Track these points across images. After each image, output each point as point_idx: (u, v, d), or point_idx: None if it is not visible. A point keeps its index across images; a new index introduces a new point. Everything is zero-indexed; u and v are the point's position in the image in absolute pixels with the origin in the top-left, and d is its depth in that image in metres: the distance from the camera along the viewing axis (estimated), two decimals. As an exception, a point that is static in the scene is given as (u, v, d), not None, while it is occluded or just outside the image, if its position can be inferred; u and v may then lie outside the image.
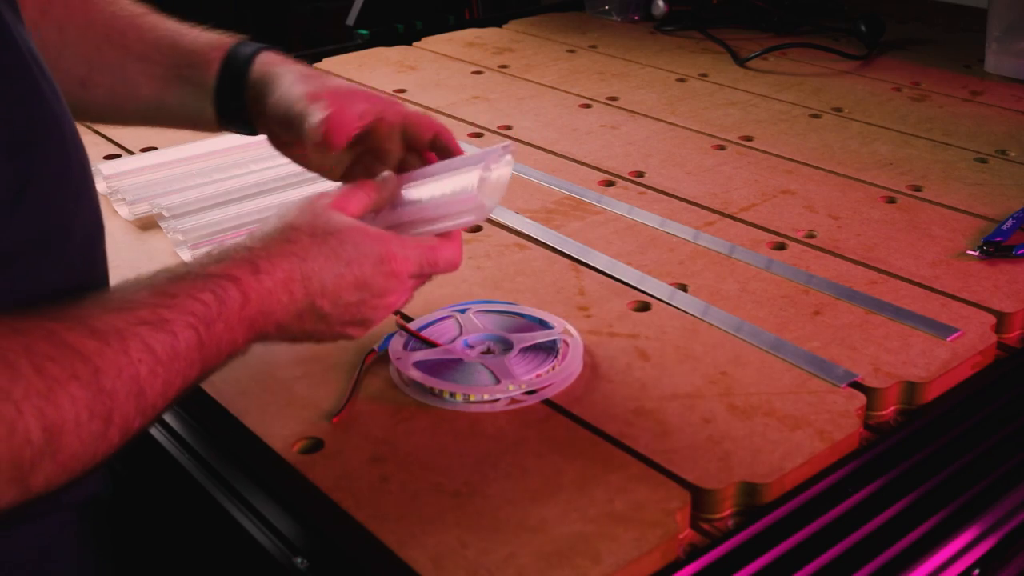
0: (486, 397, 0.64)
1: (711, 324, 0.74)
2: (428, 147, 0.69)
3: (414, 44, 1.45)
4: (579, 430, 0.62)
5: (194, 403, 0.67)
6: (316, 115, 0.63)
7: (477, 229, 0.89)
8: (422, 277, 0.63)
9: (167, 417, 0.67)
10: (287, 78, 0.68)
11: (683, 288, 0.79)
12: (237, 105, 0.70)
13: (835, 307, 0.76)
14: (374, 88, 1.25)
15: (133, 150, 1.06)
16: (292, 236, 0.58)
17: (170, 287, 0.53)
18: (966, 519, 0.57)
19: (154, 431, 0.66)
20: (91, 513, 0.62)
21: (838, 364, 0.68)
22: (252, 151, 1.00)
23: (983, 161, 1.03)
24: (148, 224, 0.90)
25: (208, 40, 0.73)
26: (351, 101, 0.65)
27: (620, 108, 1.20)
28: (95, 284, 0.57)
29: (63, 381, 0.47)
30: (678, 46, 1.45)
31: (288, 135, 0.67)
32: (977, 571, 0.55)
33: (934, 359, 0.69)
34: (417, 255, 0.62)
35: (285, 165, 0.99)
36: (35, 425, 0.46)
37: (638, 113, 1.18)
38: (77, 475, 0.49)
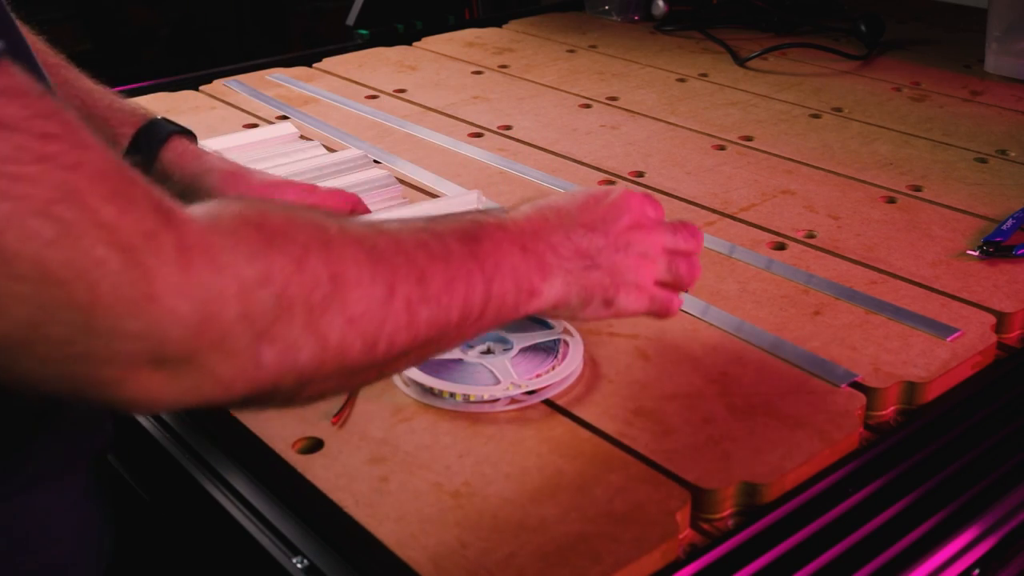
0: (486, 397, 0.64)
1: (711, 324, 0.74)
2: None
3: (414, 44, 1.45)
4: (579, 430, 0.62)
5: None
6: None
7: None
8: (676, 240, 0.64)
9: (167, 417, 0.67)
10: (212, 177, 0.72)
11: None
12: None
13: (835, 307, 0.76)
14: (374, 88, 1.25)
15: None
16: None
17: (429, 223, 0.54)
18: (966, 519, 0.57)
19: (154, 431, 0.66)
20: (95, 475, 0.62)
21: (838, 364, 0.68)
22: (279, 146, 1.00)
23: (983, 161, 1.03)
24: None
25: (120, 112, 0.74)
26: (283, 196, 0.71)
27: (620, 108, 1.20)
28: None
29: (341, 240, 0.48)
30: (678, 46, 1.45)
31: None
32: (977, 571, 0.55)
33: (934, 359, 0.69)
34: (652, 205, 0.64)
35: (311, 159, 1.00)
36: (321, 268, 0.45)
37: (638, 113, 1.18)
38: (369, 349, 0.48)
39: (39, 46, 0.73)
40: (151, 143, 0.73)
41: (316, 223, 0.48)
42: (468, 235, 0.55)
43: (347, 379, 0.50)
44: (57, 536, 0.58)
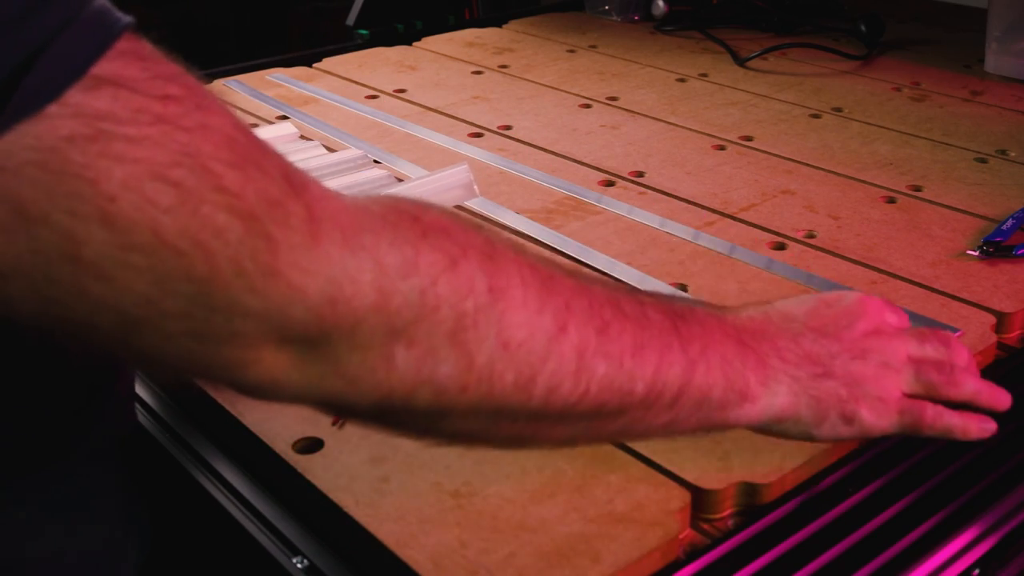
0: (486, 397, 0.63)
1: (711, 324, 0.74)
2: None
3: (414, 44, 1.45)
4: (579, 430, 0.62)
5: (194, 403, 0.67)
6: None
7: (477, 229, 0.88)
8: (923, 348, 0.56)
9: (166, 418, 0.67)
10: None
11: (683, 288, 0.79)
12: None
13: (835, 307, 0.76)
14: (374, 88, 1.25)
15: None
16: None
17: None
18: (966, 519, 0.57)
19: (154, 431, 0.66)
20: (124, 454, 0.62)
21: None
22: (279, 146, 1.00)
23: (983, 161, 1.03)
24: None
25: None
26: None
27: (620, 108, 1.20)
28: None
29: (510, 256, 0.43)
30: (678, 46, 1.45)
31: None
32: (977, 571, 0.55)
33: (934, 359, 0.69)
34: (893, 312, 0.57)
35: (311, 159, 1.00)
36: (480, 275, 0.41)
37: (638, 113, 1.18)
38: (524, 387, 0.42)
39: None
40: None
41: (484, 233, 0.43)
42: (672, 309, 0.49)
43: (497, 421, 0.44)
44: (103, 516, 0.58)
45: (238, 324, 0.37)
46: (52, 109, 0.33)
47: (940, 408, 0.56)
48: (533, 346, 0.42)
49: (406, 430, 0.45)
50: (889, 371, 0.55)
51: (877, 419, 0.54)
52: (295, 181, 0.38)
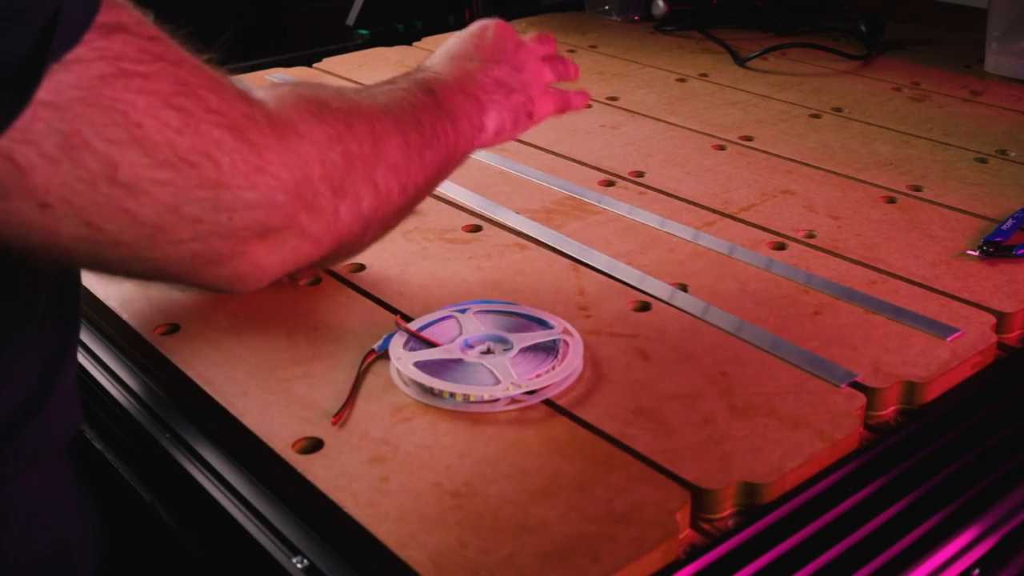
0: (486, 397, 0.64)
1: (711, 324, 0.74)
2: None
3: (414, 44, 1.45)
4: (579, 430, 0.62)
5: (194, 402, 0.67)
6: None
7: (477, 229, 0.89)
8: (545, 47, 0.78)
9: (166, 418, 0.67)
10: None
11: (683, 288, 0.79)
12: None
13: (835, 307, 0.76)
14: (374, 88, 1.26)
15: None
16: None
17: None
18: (966, 519, 0.57)
19: (154, 431, 0.66)
20: (74, 453, 0.62)
21: (838, 364, 0.68)
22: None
23: (983, 161, 1.03)
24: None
25: None
26: None
27: (620, 108, 1.20)
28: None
29: (365, 103, 0.56)
30: (678, 46, 1.45)
31: None
32: (977, 571, 0.55)
33: (934, 359, 0.69)
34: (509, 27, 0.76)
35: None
36: (363, 127, 0.54)
37: (638, 113, 1.18)
38: (403, 191, 0.57)
39: None
40: None
41: (340, 92, 0.55)
42: (425, 88, 0.64)
43: (389, 222, 0.59)
44: (61, 515, 0.58)
45: (237, 219, 0.44)
46: (84, 52, 0.38)
47: (570, 93, 0.78)
48: (402, 161, 0.57)
49: (341, 259, 0.60)
50: (538, 71, 0.75)
51: (543, 108, 0.75)
52: (246, 96, 0.47)
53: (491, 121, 0.69)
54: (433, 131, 0.62)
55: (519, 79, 0.72)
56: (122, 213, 0.41)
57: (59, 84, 0.38)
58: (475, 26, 0.75)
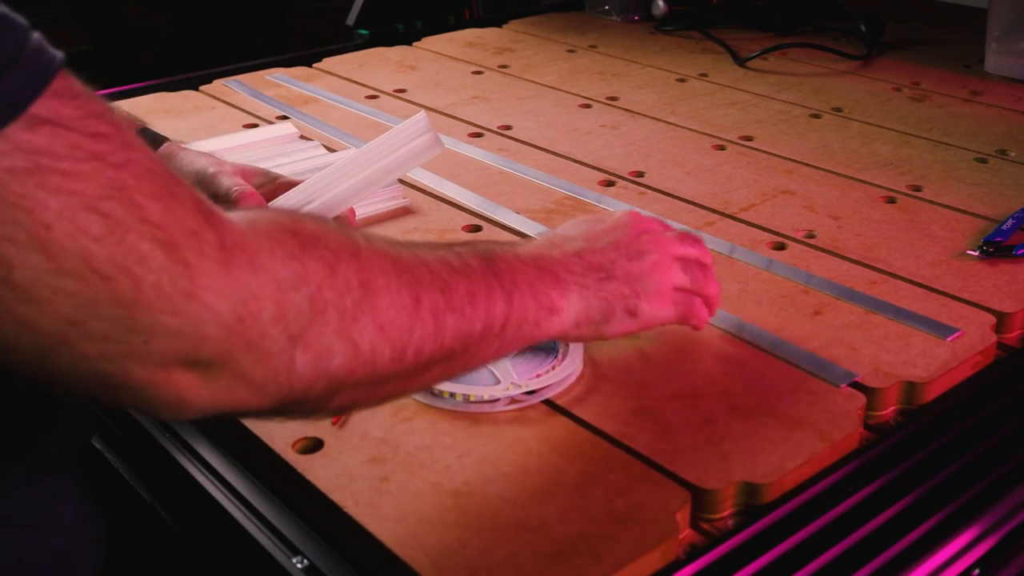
0: (486, 397, 0.64)
1: (711, 324, 0.73)
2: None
3: (414, 44, 1.45)
4: (579, 430, 0.62)
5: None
6: (227, 180, 0.74)
7: (477, 229, 0.89)
8: (684, 247, 0.65)
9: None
10: (189, 154, 0.78)
11: (683, 288, 0.79)
12: None
13: (835, 307, 0.76)
14: (374, 88, 1.25)
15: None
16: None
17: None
18: (966, 519, 0.57)
19: (154, 431, 0.66)
20: (83, 469, 0.62)
21: (838, 364, 0.68)
22: (279, 146, 1.00)
23: (983, 161, 1.03)
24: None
25: None
26: (252, 174, 0.78)
27: (620, 108, 1.20)
28: None
29: (368, 251, 0.49)
30: (678, 46, 1.45)
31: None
32: (977, 571, 0.55)
33: (934, 359, 0.69)
34: (656, 221, 0.67)
35: (311, 159, 1.00)
36: (352, 274, 0.47)
37: (638, 113, 1.18)
38: (399, 357, 0.49)
39: None
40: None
41: (345, 233, 0.49)
42: (484, 254, 0.56)
43: (375, 389, 0.50)
44: (61, 524, 0.58)
45: (155, 344, 0.40)
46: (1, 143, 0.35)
47: (700, 305, 0.66)
48: (401, 321, 0.49)
49: (298, 416, 0.49)
50: (662, 267, 0.63)
51: (655, 310, 0.63)
52: (205, 210, 0.42)
53: (571, 305, 0.59)
54: (470, 298, 0.53)
55: (627, 268, 0.62)
56: (13, 317, 0.37)
57: None
58: (604, 213, 0.66)
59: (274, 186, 0.78)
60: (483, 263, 0.55)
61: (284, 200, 0.73)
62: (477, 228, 0.89)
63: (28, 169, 0.36)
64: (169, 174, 0.41)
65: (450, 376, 0.55)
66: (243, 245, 0.42)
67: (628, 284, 0.62)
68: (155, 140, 0.80)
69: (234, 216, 0.44)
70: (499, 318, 0.55)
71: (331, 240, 0.47)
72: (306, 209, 0.70)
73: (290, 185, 0.76)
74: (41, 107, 0.37)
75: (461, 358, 0.53)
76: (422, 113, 0.72)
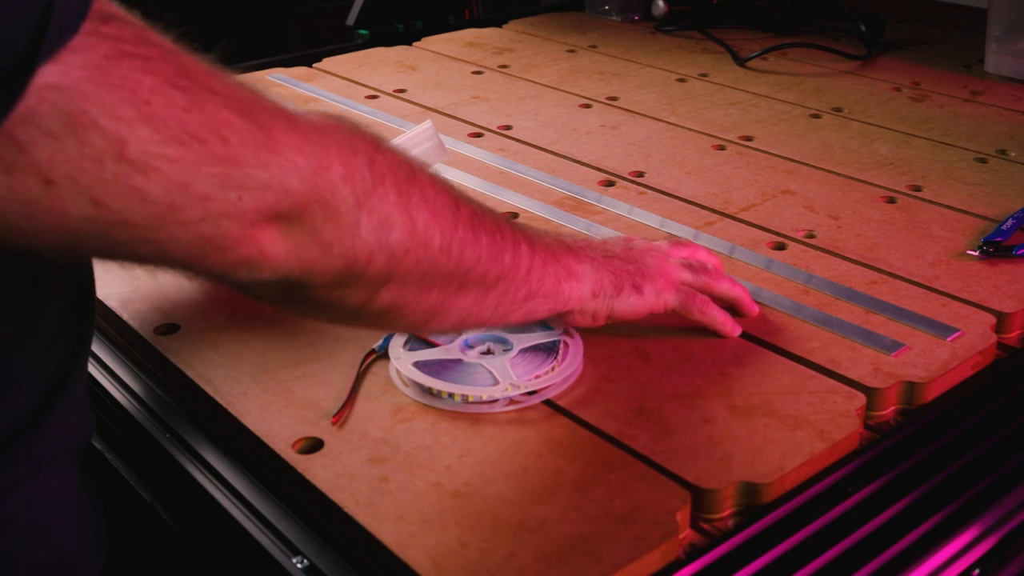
0: (485, 397, 0.64)
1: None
2: None
3: (414, 44, 1.45)
4: (579, 430, 0.62)
5: (194, 402, 0.67)
6: None
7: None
8: (688, 261, 0.71)
9: (166, 418, 0.67)
10: None
11: (683, 288, 0.79)
12: None
13: (835, 307, 0.76)
14: (374, 88, 1.25)
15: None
16: None
17: None
18: (966, 519, 0.57)
19: (154, 431, 0.66)
20: (85, 461, 0.62)
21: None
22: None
23: (983, 161, 1.03)
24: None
25: None
26: None
27: (620, 108, 1.20)
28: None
29: (402, 158, 0.52)
30: (678, 46, 1.45)
31: None
32: (977, 571, 0.55)
33: (934, 359, 0.69)
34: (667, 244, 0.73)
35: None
36: (396, 156, 0.51)
37: (638, 113, 1.18)
38: (446, 249, 0.52)
39: None
40: None
41: (400, 160, 0.52)
42: (499, 216, 0.59)
43: (422, 289, 0.53)
44: (61, 524, 0.58)
45: (246, 200, 0.43)
46: (86, 35, 0.39)
47: (707, 299, 0.70)
48: (447, 214, 0.52)
49: (352, 301, 0.51)
50: (661, 257, 0.69)
51: (659, 292, 0.68)
52: (254, 90, 0.46)
53: (586, 273, 0.64)
54: (498, 231, 0.56)
55: (631, 255, 0.68)
56: (130, 191, 0.41)
57: (66, 66, 0.38)
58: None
59: None
60: (501, 218, 0.59)
61: None
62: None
63: (120, 54, 0.40)
64: (209, 63, 0.45)
65: (483, 316, 0.58)
66: (298, 115, 0.47)
67: (632, 263, 0.67)
68: None
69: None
70: (524, 261, 0.58)
71: (383, 147, 0.50)
72: None
73: None
74: (100, 6, 0.40)
75: (495, 288, 0.57)
76: (428, 122, 0.73)
